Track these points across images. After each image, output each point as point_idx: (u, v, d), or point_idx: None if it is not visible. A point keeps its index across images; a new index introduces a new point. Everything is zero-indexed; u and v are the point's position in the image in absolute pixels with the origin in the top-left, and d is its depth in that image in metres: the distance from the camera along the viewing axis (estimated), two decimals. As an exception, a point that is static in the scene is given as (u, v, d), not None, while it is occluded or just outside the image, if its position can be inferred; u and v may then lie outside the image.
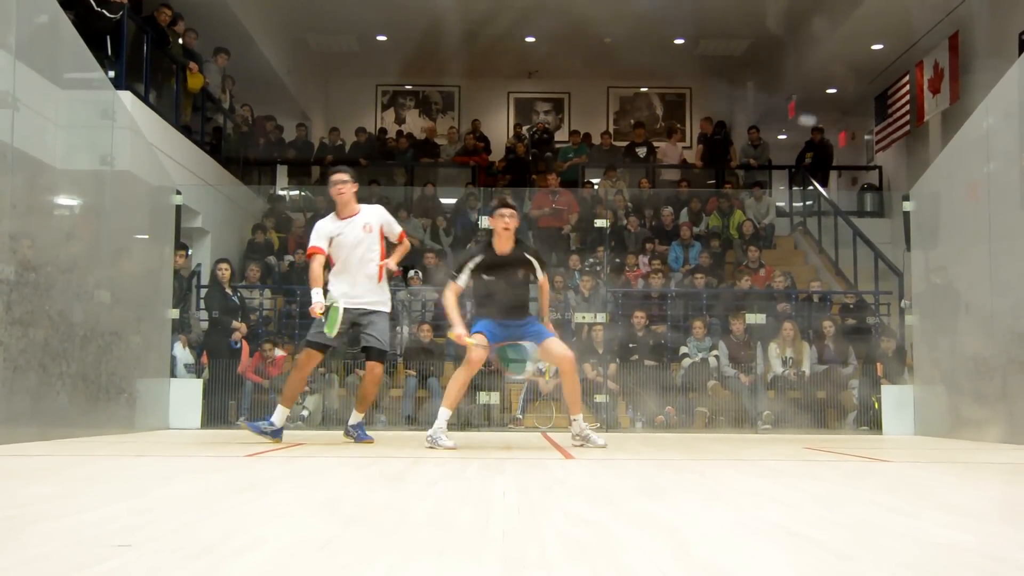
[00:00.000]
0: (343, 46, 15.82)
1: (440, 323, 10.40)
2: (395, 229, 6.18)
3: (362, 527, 2.20)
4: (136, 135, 8.28)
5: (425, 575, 1.64)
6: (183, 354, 9.11)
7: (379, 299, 6.10)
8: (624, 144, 15.18)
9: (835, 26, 13.41)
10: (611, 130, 16.24)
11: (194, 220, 10.77)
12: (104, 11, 9.03)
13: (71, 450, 5.13)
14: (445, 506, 2.65)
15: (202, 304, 10.11)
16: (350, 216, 6.05)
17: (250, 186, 13.09)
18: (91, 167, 7.37)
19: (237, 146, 12.95)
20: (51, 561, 1.74)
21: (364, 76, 16.97)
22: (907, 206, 9.08)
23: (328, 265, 6.10)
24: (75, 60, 7.05)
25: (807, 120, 15.03)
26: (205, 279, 10.34)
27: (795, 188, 14.71)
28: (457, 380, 5.67)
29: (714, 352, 9.76)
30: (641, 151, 14.52)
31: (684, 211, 12.99)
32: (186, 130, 10.87)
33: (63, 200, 6.95)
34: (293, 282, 11.01)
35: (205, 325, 9.92)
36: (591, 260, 11.14)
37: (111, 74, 8.55)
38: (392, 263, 6.10)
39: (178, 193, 9.18)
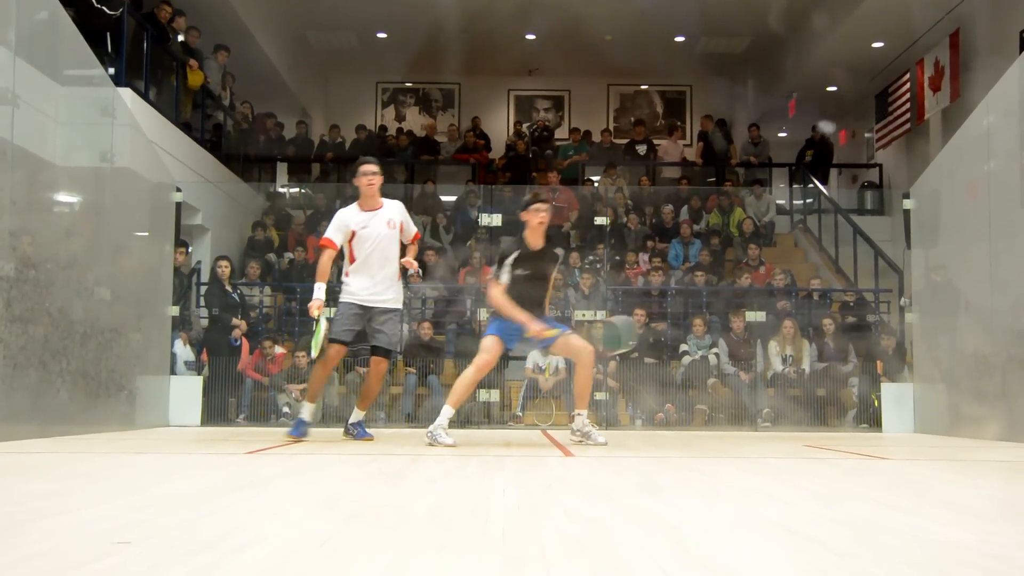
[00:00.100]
0: (343, 43, 15.80)
1: (440, 320, 10.42)
2: (411, 229, 6.16)
3: (362, 524, 2.20)
4: (136, 132, 8.27)
5: (425, 572, 1.64)
6: (183, 351, 9.11)
7: (397, 296, 6.11)
8: (624, 142, 15.18)
9: (836, 24, 13.40)
10: (611, 128, 16.23)
11: (194, 217, 10.77)
12: (104, 8, 9.02)
13: (71, 447, 5.13)
14: (445, 503, 2.65)
15: (202, 301, 10.11)
16: (375, 209, 6.02)
17: (250, 183, 13.09)
18: (91, 164, 7.36)
19: (237, 143, 12.94)
20: (50, 558, 1.74)
21: (364, 73, 16.97)
22: (907, 204, 9.08)
23: (340, 257, 6.10)
24: (75, 57, 7.04)
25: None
26: (205, 276, 10.35)
27: (795, 186, 14.71)
28: (465, 379, 5.67)
29: (714, 350, 9.77)
30: (641, 149, 14.52)
31: (684, 209, 12.99)
32: (186, 127, 10.86)
33: (63, 197, 6.94)
34: (293, 279, 11.01)
35: (205, 322, 9.93)
36: (591, 257, 11.14)
37: (111, 71, 8.55)
38: (416, 263, 6.13)
39: (178, 190, 9.18)
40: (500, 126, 16.90)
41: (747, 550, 1.90)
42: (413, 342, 9.89)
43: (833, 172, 15.39)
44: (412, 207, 12.65)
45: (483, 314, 10.07)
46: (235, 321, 9.48)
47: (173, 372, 8.80)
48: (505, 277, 5.68)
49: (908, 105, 13.95)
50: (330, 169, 14.35)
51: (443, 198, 13.33)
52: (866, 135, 16.40)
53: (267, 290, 11.19)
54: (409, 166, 14.32)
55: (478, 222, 11.32)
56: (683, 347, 9.87)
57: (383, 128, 16.26)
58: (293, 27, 15.06)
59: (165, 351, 8.62)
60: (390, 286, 6.02)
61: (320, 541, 1.91)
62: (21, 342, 5.67)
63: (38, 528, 2.10)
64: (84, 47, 7.02)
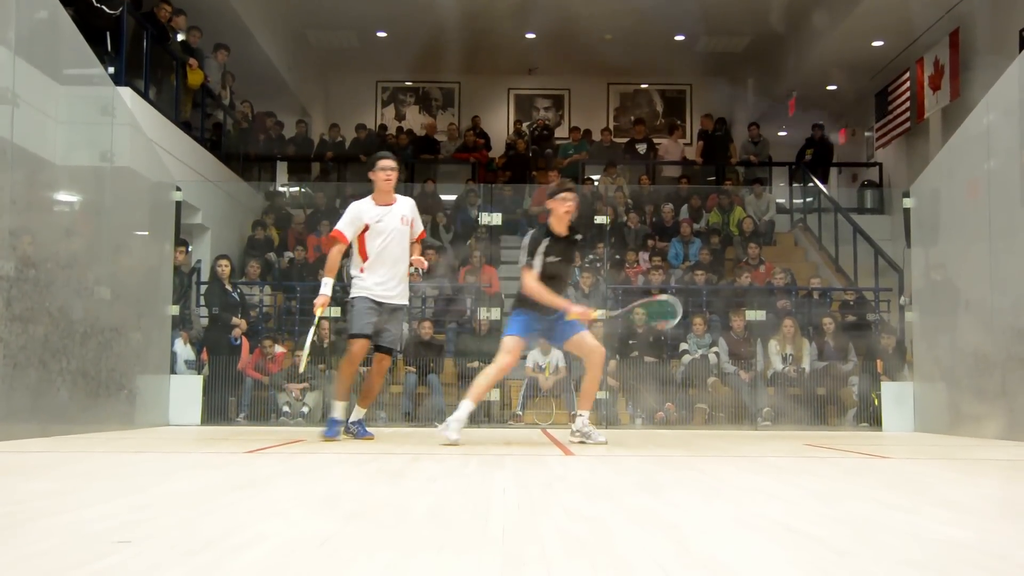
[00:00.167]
0: (343, 42, 15.80)
1: (440, 319, 10.41)
2: (419, 227, 6.18)
3: (362, 523, 2.20)
4: (136, 131, 8.27)
5: (425, 571, 1.64)
6: (183, 350, 9.12)
7: (404, 293, 6.13)
8: (624, 141, 15.18)
9: (835, 22, 13.40)
10: (611, 127, 16.23)
11: (194, 216, 10.77)
12: (104, 7, 9.01)
13: (71, 446, 5.13)
14: (445, 502, 2.65)
15: (202, 300, 10.11)
16: (389, 204, 6.02)
17: (250, 182, 13.08)
18: (91, 163, 7.36)
19: (237, 142, 12.94)
20: (50, 557, 1.74)
21: (364, 72, 16.96)
22: (907, 203, 9.08)
23: (344, 255, 6.11)
24: (75, 56, 7.04)
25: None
26: (205, 275, 10.34)
27: (795, 185, 14.71)
28: (487, 375, 5.66)
29: (714, 349, 9.77)
30: (641, 148, 14.52)
31: (684, 208, 12.98)
32: (186, 126, 10.86)
33: (63, 196, 6.94)
34: (293, 278, 11.01)
35: (205, 321, 9.93)
36: (591, 256, 11.14)
37: (111, 70, 8.54)
38: (425, 262, 6.16)
39: (178, 189, 9.18)
40: (500, 125, 16.89)
41: (747, 549, 1.90)
42: (413, 341, 9.89)
43: (833, 171, 15.39)
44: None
45: (483, 313, 10.08)
46: (235, 320, 9.48)
47: (173, 371, 8.80)
48: (538, 264, 5.68)
49: (908, 104, 13.95)
50: (330, 168, 14.35)
51: (443, 197, 13.33)
52: (866, 134, 16.40)
53: (267, 289, 11.20)
54: (409, 165, 14.30)
55: (478, 221, 11.32)
56: (683, 346, 9.87)
57: (383, 127, 16.25)
58: (293, 26, 15.05)
59: (165, 350, 8.63)
60: (400, 282, 6.04)
61: (320, 540, 1.91)
62: (21, 341, 5.67)
63: (38, 527, 2.10)
64: (84, 46, 7.02)
